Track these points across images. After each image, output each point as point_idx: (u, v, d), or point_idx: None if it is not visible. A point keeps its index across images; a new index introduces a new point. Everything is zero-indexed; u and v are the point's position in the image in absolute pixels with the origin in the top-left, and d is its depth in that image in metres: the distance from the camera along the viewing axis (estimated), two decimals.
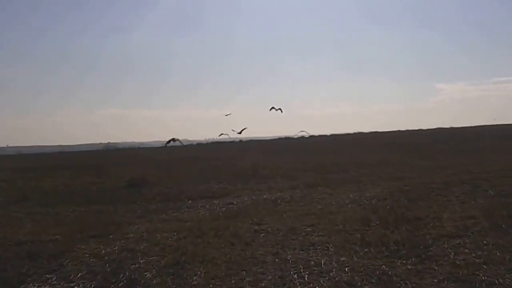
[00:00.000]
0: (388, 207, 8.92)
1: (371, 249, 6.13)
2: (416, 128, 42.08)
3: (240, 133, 22.06)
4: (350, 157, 19.17)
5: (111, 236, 7.80)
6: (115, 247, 7.09)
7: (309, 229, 7.51)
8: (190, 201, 11.07)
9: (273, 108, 23.33)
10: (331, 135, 40.12)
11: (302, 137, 44.53)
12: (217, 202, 10.77)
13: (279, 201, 10.36)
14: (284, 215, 8.72)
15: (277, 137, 43.15)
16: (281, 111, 23.43)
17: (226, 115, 24.76)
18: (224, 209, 9.97)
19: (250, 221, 8.30)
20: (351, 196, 10.39)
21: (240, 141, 47.25)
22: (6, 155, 34.90)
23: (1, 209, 10.99)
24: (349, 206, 9.37)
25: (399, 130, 41.13)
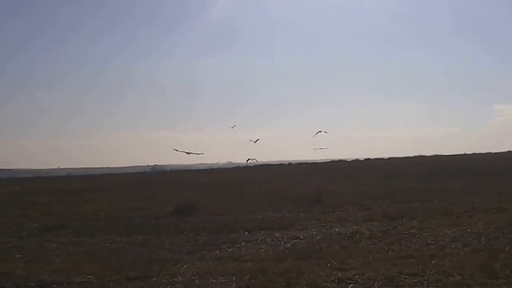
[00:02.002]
0: (507, 249, 6.85)
1: None
2: (483, 152, 38.60)
3: (255, 142, 23.20)
4: (422, 183, 16.88)
5: (154, 279, 6.27)
6: None
7: (414, 280, 5.61)
8: (246, 233, 9.34)
9: (319, 132, 22.67)
10: (389, 158, 37.44)
11: (357, 159, 42.16)
12: (279, 235, 8.97)
13: (358, 236, 8.42)
14: (371, 257, 6.83)
15: (329, 160, 40.88)
16: (326, 132, 22.89)
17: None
18: (290, 245, 8.15)
19: (329, 264, 6.49)
20: (449, 232, 8.33)
21: (289, 164, 45.44)
22: (54, 176, 34.84)
23: (34, 238, 9.71)
24: (453, 246, 7.32)
25: (464, 154, 37.78)
